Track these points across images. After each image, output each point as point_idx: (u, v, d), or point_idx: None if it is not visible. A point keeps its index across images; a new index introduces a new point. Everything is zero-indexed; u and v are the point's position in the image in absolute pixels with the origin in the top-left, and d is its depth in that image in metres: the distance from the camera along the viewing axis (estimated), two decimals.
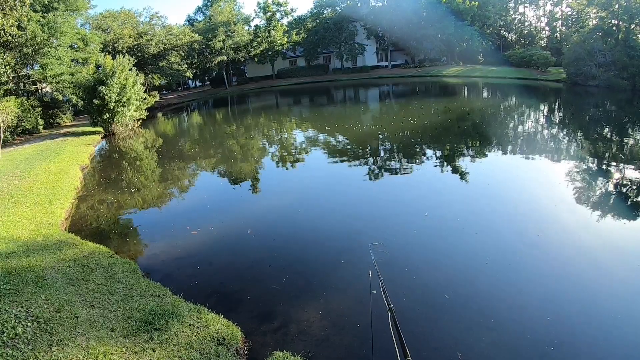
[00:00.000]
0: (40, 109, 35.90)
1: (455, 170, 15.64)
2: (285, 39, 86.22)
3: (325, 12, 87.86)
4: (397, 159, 18.29)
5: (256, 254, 9.53)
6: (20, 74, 35.08)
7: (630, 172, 14.37)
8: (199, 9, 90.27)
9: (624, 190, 12.77)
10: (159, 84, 68.48)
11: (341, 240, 9.92)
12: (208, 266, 9.15)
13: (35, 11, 34.36)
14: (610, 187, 13.19)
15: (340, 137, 24.42)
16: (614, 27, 53.27)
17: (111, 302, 6.81)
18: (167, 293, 7.33)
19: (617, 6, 52.11)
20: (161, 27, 68.97)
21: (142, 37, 62.62)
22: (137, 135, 32.75)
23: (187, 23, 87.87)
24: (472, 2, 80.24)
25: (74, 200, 14.82)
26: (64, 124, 40.98)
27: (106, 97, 29.76)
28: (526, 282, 7.64)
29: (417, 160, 17.58)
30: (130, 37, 59.67)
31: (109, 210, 13.94)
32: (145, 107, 36.05)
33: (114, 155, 25.92)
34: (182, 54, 68.75)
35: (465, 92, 50.36)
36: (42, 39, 32.15)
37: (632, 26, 52.47)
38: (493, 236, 9.70)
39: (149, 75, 60.85)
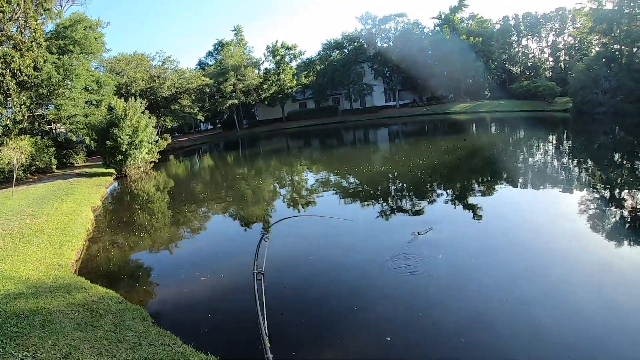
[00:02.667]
0: (54, 148, 36.29)
1: (468, 207, 15.50)
2: (295, 82, 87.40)
3: (333, 54, 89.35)
4: (408, 198, 18.20)
5: (267, 301, 9.38)
6: (35, 113, 35.69)
7: None
8: (209, 53, 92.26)
9: None
10: (171, 126, 69.31)
11: (355, 287, 9.71)
12: (218, 314, 8.99)
13: (51, 53, 35.09)
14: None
15: (351, 179, 24.30)
16: (617, 52, 54.06)
17: (120, 350, 6.65)
18: (177, 342, 7.16)
19: (618, 31, 52.82)
20: (173, 71, 70.23)
21: (154, 80, 63.84)
22: (149, 177, 32.88)
23: (199, 67, 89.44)
24: (477, 38, 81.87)
25: (85, 242, 14.77)
26: (77, 165, 41.28)
27: (119, 139, 30.00)
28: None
29: (428, 199, 17.45)
30: (143, 80, 60.84)
31: (120, 253, 13.85)
32: (157, 150, 36.26)
33: (125, 197, 26.02)
34: (194, 97, 70.26)
35: (474, 128, 50.56)
36: (57, 80, 32.71)
37: (635, 50, 53.04)
38: (505, 274, 9.50)
39: (161, 118, 61.71)
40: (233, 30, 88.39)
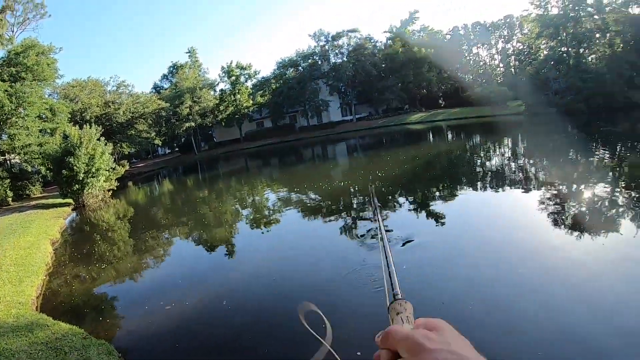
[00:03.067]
0: (9, 180, 35.60)
1: (429, 214, 15.74)
2: (251, 102, 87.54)
3: (288, 72, 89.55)
4: (369, 211, 18.38)
5: (232, 327, 9.33)
6: None
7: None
8: (164, 76, 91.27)
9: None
10: (128, 152, 68.40)
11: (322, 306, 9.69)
12: (184, 343, 8.96)
13: (3, 80, 34.47)
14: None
15: (312, 195, 24.40)
16: (565, 55, 56.33)
17: None
18: None
19: (564, 34, 54.96)
20: (128, 96, 69.60)
21: (109, 106, 63.22)
22: (108, 205, 32.41)
23: (154, 90, 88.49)
24: (428, 50, 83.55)
25: (45, 277, 14.49)
26: (34, 196, 40.48)
27: (75, 167, 29.58)
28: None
29: (390, 209, 17.64)
30: (97, 106, 60.22)
31: (82, 287, 13.62)
32: (115, 177, 35.82)
33: (85, 228, 25.62)
34: (150, 121, 69.33)
35: (430, 137, 51.51)
36: (9, 109, 32.24)
37: (582, 51, 55.20)
38: (470, 282, 9.64)
39: (118, 144, 60.86)
40: (187, 52, 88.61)
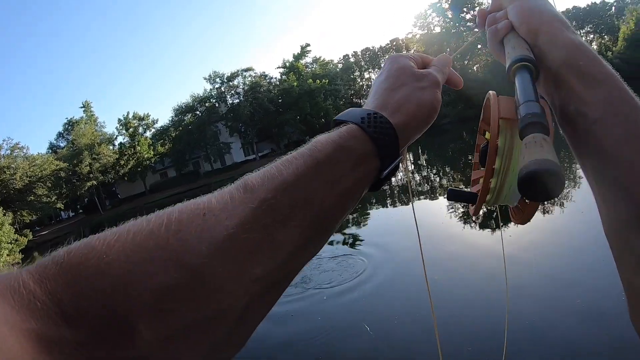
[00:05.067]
0: None
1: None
2: (152, 152, 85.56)
3: (186, 118, 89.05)
4: None
5: None
6: None
7: None
8: (60, 135, 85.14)
9: None
10: (30, 220, 65.49)
11: None
12: None
13: None
14: None
15: None
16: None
17: None
18: None
19: (448, 50, 59.36)
20: (24, 159, 66.54)
21: (4, 171, 60.18)
22: None
23: (50, 151, 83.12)
24: (322, 80, 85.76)
25: None
26: None
27: None
28: None
29: None
30: None
31: None
32: (19, 249, 34.50)
33: None
34: (49, 184, 66.19)
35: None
36: None
37: (466, 62, 59.05)
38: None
39: (18, 213, 58.29)
40: (82, 107, 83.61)
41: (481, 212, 0.97)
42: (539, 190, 0.61)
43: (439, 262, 10.24)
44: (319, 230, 0.68)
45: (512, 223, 1.02)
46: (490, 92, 0.99)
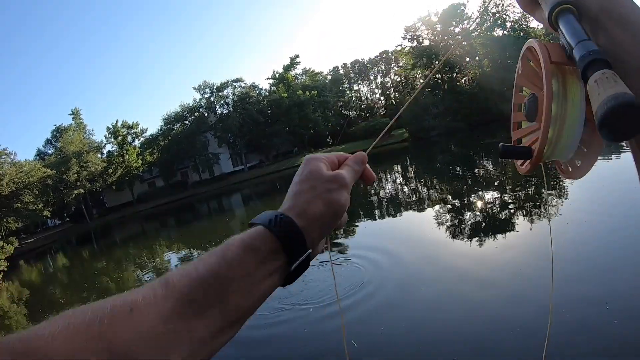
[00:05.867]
0: None
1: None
2: (140, 161, 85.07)
3: (175, 127, 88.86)
4: None
5: None
6: None
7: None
8: (48, 141, 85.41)
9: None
10: (16, 227, 64.69)
11: None
12: None
13: None
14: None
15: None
16: (439, 81, 61.37)
17: None
18: None
19: (437, 62, 60.20)
20: (11, 165, 65.25)
21: None
22: (0, 289, 31.02)
23: (38, 157, 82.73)
24: (312, 92, 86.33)
25: None
26: None
27: None
28: None
29: None
30: None
31: None
32: (4, 257, 34.35)
33: None
34: (36, 192, 65.17)
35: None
36: None
37: (454, 75, 60.42)
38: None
39: (4, 220, 57.71)
40: (71, 114, 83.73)
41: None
42: (626, 125, 0.59)
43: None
44: (232, 320, 0.77)
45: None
46: (532, 39, 0.96)
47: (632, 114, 0.58)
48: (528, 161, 0.95)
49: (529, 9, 1.05)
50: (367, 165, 1.16)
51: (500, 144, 0.99)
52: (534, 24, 72.25)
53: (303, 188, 0.95)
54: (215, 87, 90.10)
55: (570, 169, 0.98)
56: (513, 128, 1.12)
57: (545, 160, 0.96)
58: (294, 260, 0.85)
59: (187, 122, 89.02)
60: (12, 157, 67.83)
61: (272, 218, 0.87)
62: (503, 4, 62.14)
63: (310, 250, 0.89)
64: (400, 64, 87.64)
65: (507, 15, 64.75)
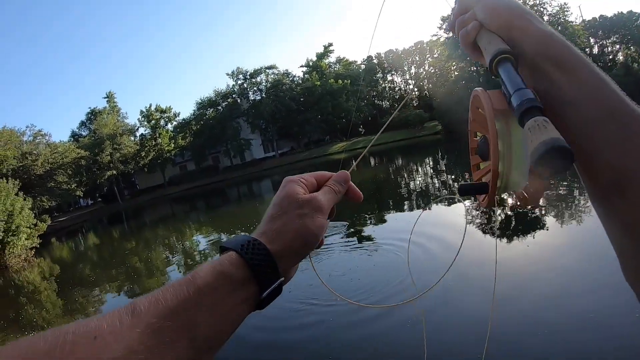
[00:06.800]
0: None
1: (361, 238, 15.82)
2: (172, 145, 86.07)
3: (208, 112, 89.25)
4: None
5: None
6: None
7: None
8: (82, 124, 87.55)
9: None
10: (49, 206, 65.72)
11: None
12: None
13: None
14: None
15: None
16: (474, 74, 59.76)
17: None
18: None
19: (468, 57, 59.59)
20: (46, 146, 67.09)
21: (27, 157, 60.36)
22: (32, 265, 31.07)
23: (72, 139, 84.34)
24: (345, 80, 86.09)
25: None
26: None
27: None
28: None
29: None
30: (14, 158, 57.55)
31: None
32: (37, 234, 34.58)
33: (10, 292, 24.68)
34: (70, 172, 66.28)
35: (354, 164, 52.73)
36: None
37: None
38: None
39: (38, 198, 58.47)
40: (105, 97, 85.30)
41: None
42: (556, 164, 0.66)
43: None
44: (202, 350, 0.73)
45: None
46: (477, 88, 1.03)
47: (558, 155, 0.65)
48: (485, 195, 1.04)
49: (474, 56, 1.15)
50: (352, 183, 1.17)
51: (460, 183, 1.13)
52: (572, 17, 71.10)
53: (276, 212, 0.93)
54: (248, 74, 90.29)
55: (525, 197, 1.03)
56: (473, 170, 1.17)
57: (502, 193, 1.03)
58: (265, 287, 0.83)
59: (220, 107, 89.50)
60: (47, 138, 69.52)
61: (245, 243, 0.85)
62: None
63: (282, 279, 0.87)
64: (435, 55, 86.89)
65: (544, 8, 63.55)
